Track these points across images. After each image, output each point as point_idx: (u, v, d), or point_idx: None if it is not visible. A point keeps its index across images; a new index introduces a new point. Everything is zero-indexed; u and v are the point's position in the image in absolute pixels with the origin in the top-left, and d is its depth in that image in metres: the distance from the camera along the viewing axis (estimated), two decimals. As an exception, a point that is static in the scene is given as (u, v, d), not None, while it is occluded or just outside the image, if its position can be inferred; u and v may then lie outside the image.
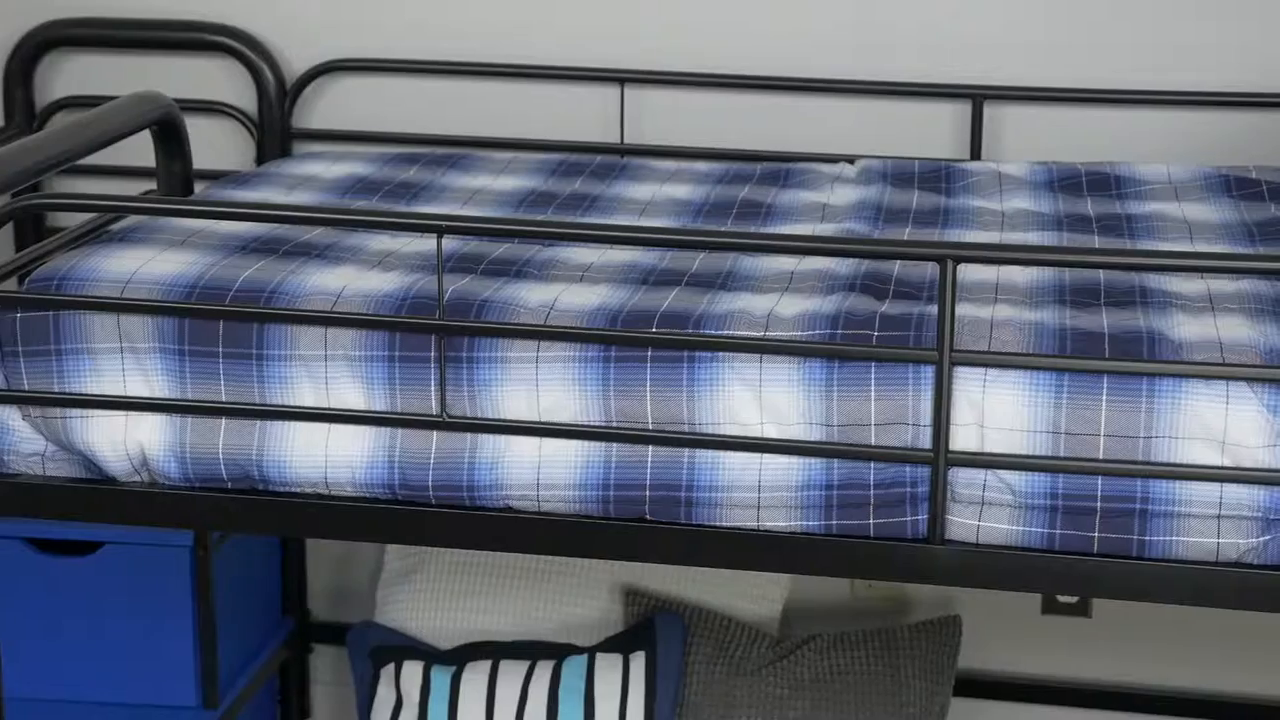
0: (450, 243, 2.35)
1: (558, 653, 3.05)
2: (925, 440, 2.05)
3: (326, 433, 2.17)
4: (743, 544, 2.11)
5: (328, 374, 2.15)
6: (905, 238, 2.51)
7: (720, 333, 2.09)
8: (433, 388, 2.13)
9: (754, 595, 3.18)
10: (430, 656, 3.06)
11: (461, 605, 3.15)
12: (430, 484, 2.15)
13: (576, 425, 2.11)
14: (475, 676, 3.01)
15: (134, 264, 2.23)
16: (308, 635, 3.44)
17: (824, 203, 2.69)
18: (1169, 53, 3.00)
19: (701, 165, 2.94)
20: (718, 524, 2.11)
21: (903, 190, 2.76)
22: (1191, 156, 2.98)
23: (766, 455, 2.09)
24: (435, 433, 2.14)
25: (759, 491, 2.10)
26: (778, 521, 2.10)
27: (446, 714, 2.98)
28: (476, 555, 3.19)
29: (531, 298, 2.17)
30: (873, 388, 2.06)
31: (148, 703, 3.03)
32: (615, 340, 2.09)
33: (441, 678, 3.01)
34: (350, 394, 2.16)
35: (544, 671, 3.01)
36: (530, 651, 3.06)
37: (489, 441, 2.14)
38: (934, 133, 3.08)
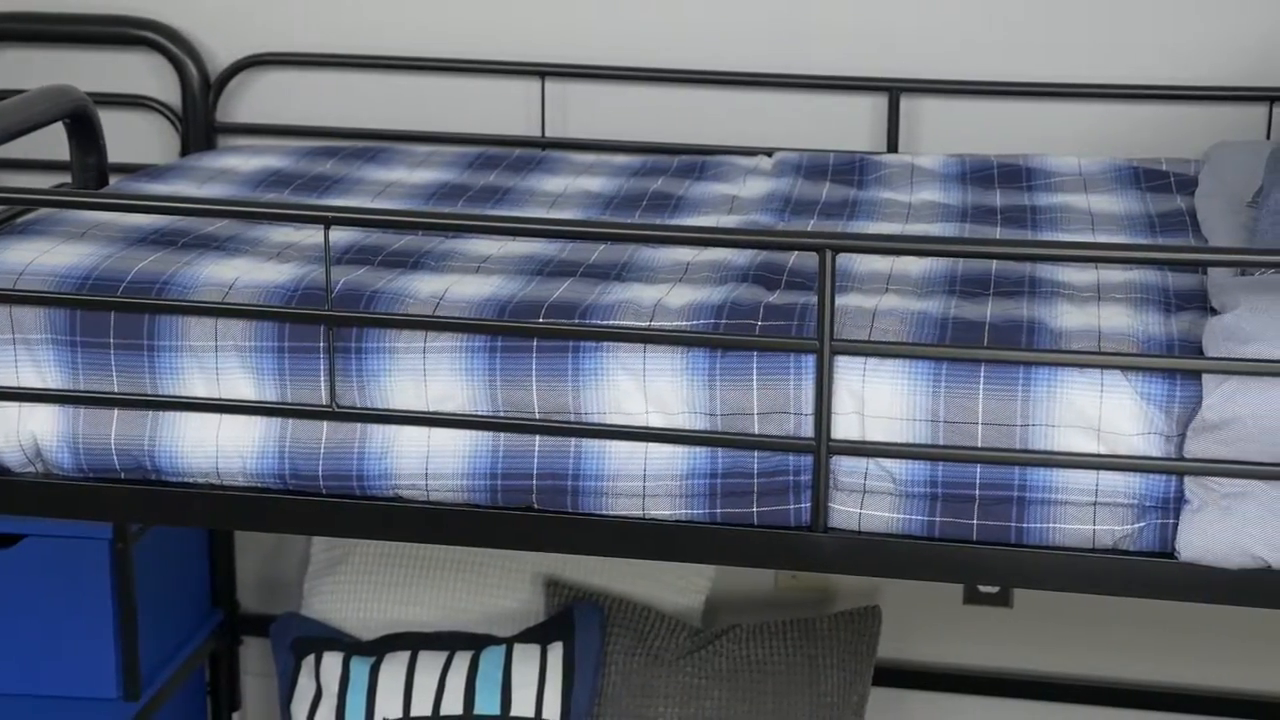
0: (351, 234, 2.37)
1: (477, 643, 3.06)
2: (807, 429, 2.06)
3: (218, 423, 2.18)
4: (628, 532, 2.12)
5: (218, 365, 2.16)
6: (810, 229, 2.53)
7: (604, 323, 2.10)
8: (322, 378, 2.14)
9: (678, 586, 3.19)
10: (350, 647, 3.07)
11: (386, 596, 3.16)
12: (320, 474, 2.16)
13: (464, 415, 2.12)
14: (394, 667, 3.02)
15: (30, 255, 2.24)
16: (237, 627, 3.44)
17: (734, 195, 2.70)
18: (1085, 47, 3.01)
19: (619, 158, 2.94)
20: (604, 513, 2.12)
21: (815, 183, 2.77)
22: (1107, 149, 2.99)
23: (651, 445, 2.10)
24: (325, 423, 2.16)
25: (644, 480, 2.11)
26: (663, 510, 2.11)
27: (364, 704, 2.99)
28: (402, 547, 3.19)
29: (423, 289, 2.18)
30: (755, 377, 2.07)
31: (68, 695, 3.04)
32: (497, 330, 2.10)
33: (360, 668, 3.02)
34: (241, 384, 2.17)
35: (462, 662, 3.02)
36: (450, 642, 3.07)
37: (378, 431, 2.15)
38: (853, 126, 3.09)
